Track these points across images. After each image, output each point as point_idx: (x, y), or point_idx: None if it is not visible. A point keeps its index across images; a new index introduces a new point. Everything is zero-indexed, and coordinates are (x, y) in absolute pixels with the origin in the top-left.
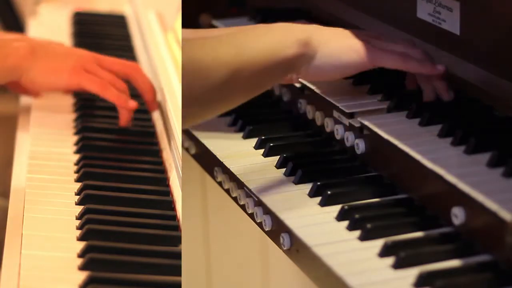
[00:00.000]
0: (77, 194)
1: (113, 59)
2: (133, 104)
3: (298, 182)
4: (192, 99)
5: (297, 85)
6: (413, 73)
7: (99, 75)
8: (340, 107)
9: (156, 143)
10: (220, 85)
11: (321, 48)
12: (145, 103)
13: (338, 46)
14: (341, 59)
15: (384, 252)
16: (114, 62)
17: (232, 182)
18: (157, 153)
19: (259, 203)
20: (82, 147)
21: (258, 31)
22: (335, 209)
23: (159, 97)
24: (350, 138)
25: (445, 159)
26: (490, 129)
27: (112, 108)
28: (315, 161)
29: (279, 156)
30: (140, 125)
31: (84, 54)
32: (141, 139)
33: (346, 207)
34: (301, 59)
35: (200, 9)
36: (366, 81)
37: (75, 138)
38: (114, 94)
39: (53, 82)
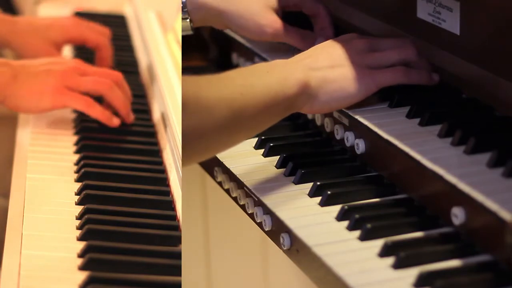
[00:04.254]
0: (77, 194)
1: (95, 69)
2: (116, 121)
3: (298, 182)
4: (193, 137)
5: None
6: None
7: (83, 87)
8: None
9: (156, 143)
10: (222, 124)
11: (323, 86)
12: (120, 116)
13: (340, 80)
14: (345, 92)
15: (384, 252)
16: (96, 72)
17: (232, 182)
18: (157, 153)
19: (259, 203)
20: (82, 147)
21: (258, 71)
22: (335, 209)
23: (159, 97)
24: (350, 138)
25: (445, 159)
26: (490, 129)
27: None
28: (315, 161)
29: (279, 156)
30: (140, 125)
31: (66, 68)
32: (141, 139)
33: (346, 207)
34: (302, 98)
35: None
36: None
37: (75, 138)
38: (99, 111)
39: (38, 106)
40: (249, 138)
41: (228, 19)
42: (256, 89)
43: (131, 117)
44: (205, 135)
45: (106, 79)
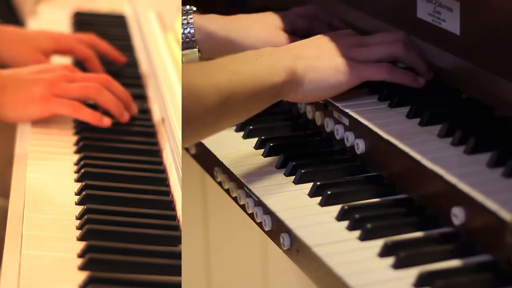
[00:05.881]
0: (77, 194)
1: (83, 75)
2: (107, 121)
3: (298, 182)
4: (189, 120)
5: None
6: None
7: (71, 94)
8: (340, 107)
9: (156, 143)
10: (213, 109)
11: (308, 75)
12: (113, 114)
13: (324, 70)
14: (328, 82)
15: (384, 252)
16: (84, 77)
17: (232, 182)
18: (157, 153)
19: (259, 203)
20: (82, 147)
21: (247, 58)
22: (335, 209)
23: (159, 97)
24: (350, 138)
25: (445, 159)
26: (490, 129)
27: None
28: (315, 161)
29: (279, 156)
30: (140, 125)
31: (54, 77)
32: (141, 139)
33: (346, 207)
34: (289, 86)
35: (200, 9)
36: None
37: (75, 138)
38: (87, 114)
39: (26, 114)
40: (237, 123)
41: (238, 47)
42: (245, 76)
43: (126, 116)
44: (195, 119)
45: (94, 83)
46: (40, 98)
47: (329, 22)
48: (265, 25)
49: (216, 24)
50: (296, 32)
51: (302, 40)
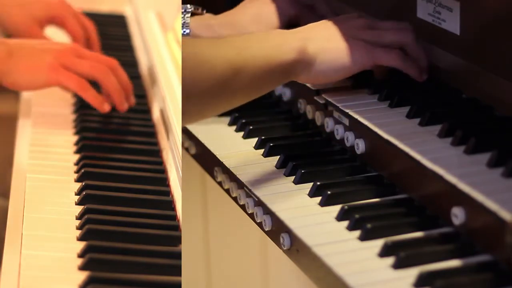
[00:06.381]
0: (77, 194)
1: (92, 54)
2: (107, 107)
3: (298, 182)
4: (194, 94)
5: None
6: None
7: (79, 69)
8: (340, 107)
9: (156, 143)
10: (222, 80)
11: (319, 55)
12: (114, 103)
13: (336, 50)
14: (341, 62)
15: (384, 252)
16: (93, 56)
17: (232, 182)
18: (157, 153)
19: (259, 203)
20: (82, 147)
21: (257, 37)
22: (335, 209)
23: (159, 97)
24: (350, 138)
25: (445, 159)
26: (490, 129)
27: (112, 108)
28: (315, 161)
29: (279, 156)
30: (140, 125)
31: (63, 48)
32: (141, 139)
33: (346, 207)
34: (299, 66)
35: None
36: (366, 81)
37: (75, 138)
38: (92, 95)
39: (33, 81)
40: (248, 100)
41: None
42: (254, 51)
43: (125, 106)
44: (207, 90)
45: (102, 65)
46: (48, 66)
47: (323, 14)
48: (260, 25)
49: (211, 31)
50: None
51: (310, 24)
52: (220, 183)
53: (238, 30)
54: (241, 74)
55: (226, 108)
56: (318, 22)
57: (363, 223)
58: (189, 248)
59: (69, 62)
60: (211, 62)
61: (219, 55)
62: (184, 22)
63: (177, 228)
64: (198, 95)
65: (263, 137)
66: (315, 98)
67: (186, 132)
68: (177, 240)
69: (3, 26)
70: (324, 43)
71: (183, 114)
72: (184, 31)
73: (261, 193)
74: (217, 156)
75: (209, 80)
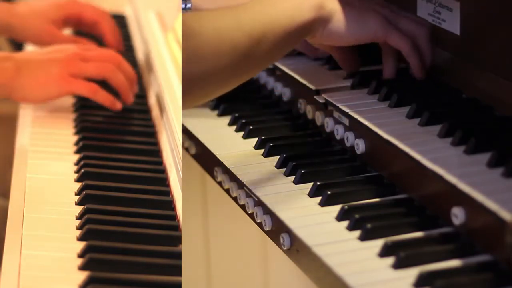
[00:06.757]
0: (77, 194)
1: (96, 53)
2: (119, 105)
3: (298, 182)
4: (215, 70)
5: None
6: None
7: (87, 73)
8: (340, 107)
9: (156, 143)
10: (246, 53)
11: (336, 14)
12: (121, 95)
13: (353, 13)
14: (355, 26)
15: (384, 252)
16: (97, 56)
17: (232, 182)
18: (157, 153)
19: (259, 203)
20: (82, 147)
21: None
22: (335, 209)
23: (159, 98)
24: (350, 138)
25: (445, 159)
26: (490, 129)
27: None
28: (315, 161)
29: (279, 156)
30: (140, 125)
31: (68, 56)
32: (141, 139)
33: (346, 207)
34: (317, 23)
35: None
36: (366, 81)
37: (75, 138)
38: (104, 96)
39: (44, 94)
40: (266, 67)
41: None
42: (275, 16)
43: (130, 99)
44: (229, 64)
45: (108, 63)
46: (57, 78)
47: None
48: None
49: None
50: None
51: None
52: (220, 183)
53: None
54: (263, 42)
55: (246, 79)
56: None
57: (363, 223)
58: (189, 248)
59: (76, 69)
60: (233, 37)
61: (238, 27)
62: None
63: (177, 228)
64: (220, 70)
65: (263, 137)
66: (315, 97)
67: (186, 132)
68: (177, 240)
69: (23, 36)
70: (343, 4)
71: (187, 95)
72: (185, 5)
73: (261, 193)
74: (217, 156)
75: (232, 56)
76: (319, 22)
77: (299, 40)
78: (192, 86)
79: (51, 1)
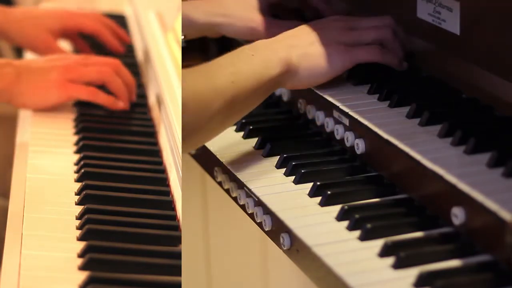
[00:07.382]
0: (77, 194)
1: (94, 59)
2: (121, 105)
3: (298, 182)
4: (194, 127)
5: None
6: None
7: (86, 78)
8: (340, 107)
9: (156, 143)
10: (218, 115)
11: (302, 63)
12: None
13: (318, 56)
14: (322, 68)
15: (384, 252)
16: (96, 62)
17: (232, 182)
18: (157, 153)
19: (259, 203)
20: (82, 147)
21: (245, 55)
22: (335, 209)
23: (159, 98)
24: (350, 138)
25: (445, 159)
26: (490, 129)
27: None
28: (315, 161)
29: (279, 156)
30: (140, 125)
31: (68, 62)
32: (141, 139)
33: (346, 207)
34: (286, 76)
35: None
36: (366, 81)
37: (75, 138)
38: (104, 98)
39: (43, 101)
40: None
41: (221, 30)
42: (245, 75)
43: (128, 104)
44: (203, 127)
45: (107, 68)
46: (56, 84)
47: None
48: (244, 6)
49: (198, 11)
50: (274, 8)
51: (294, 29)
52: (220, 183)
53: (221, 18)
54: (234, 103)
55: (222, 131)
56: (302, 26)
57: (363, 223)
58: (189, 248)
59: (75, 75)
60: (206, 99)
61: (213, 90)
62: None
63: (177, 228)
64: (198, 129)
65: (263, 137)
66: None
67: None
68: (177, 240)
69: (18, 42)
70: (307, 49)
71: (183, 146)
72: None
73: (261, 193)
74: (217, 156)
75: (205, 116)
76: (287, 75)
77: (269, 93)
78: (186, 135)
79: (50, 11)
